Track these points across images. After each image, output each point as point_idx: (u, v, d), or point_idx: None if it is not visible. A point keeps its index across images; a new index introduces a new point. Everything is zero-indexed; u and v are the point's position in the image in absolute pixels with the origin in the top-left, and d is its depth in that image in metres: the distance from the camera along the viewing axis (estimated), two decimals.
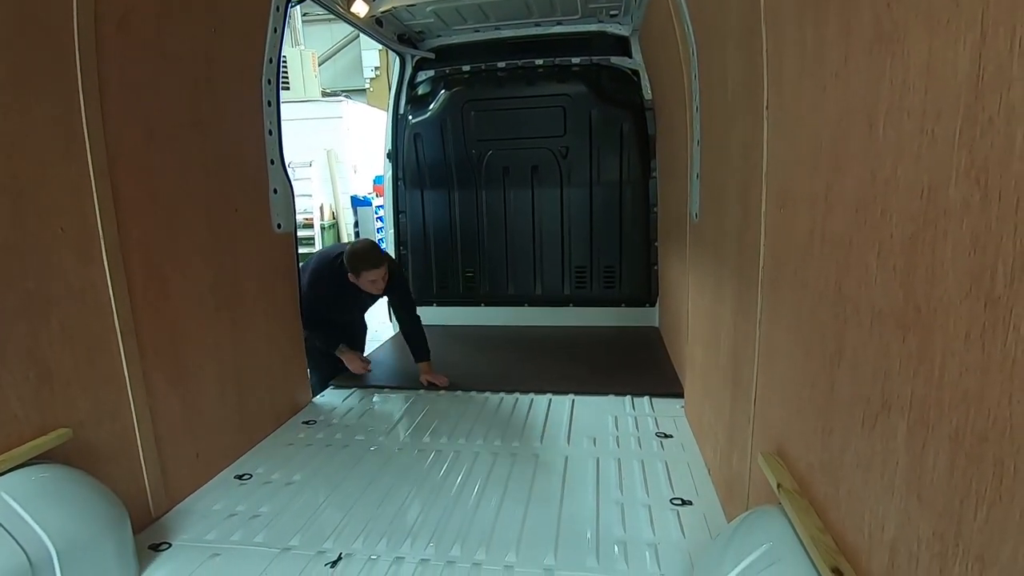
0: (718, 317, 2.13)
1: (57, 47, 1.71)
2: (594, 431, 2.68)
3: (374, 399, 3.24)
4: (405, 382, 3.42)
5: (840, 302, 1.06)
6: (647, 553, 1.79)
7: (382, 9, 3.47)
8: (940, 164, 0.76)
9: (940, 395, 0.76)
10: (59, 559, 1.49)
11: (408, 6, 3.52)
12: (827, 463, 1.11)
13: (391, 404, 3.16)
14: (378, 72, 15.86)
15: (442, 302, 4.68)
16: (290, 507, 2.11)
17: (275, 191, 2.84)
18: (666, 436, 2.61)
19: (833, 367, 1.08)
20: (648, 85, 4.10)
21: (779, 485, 1.25)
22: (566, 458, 2.43)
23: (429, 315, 4.64)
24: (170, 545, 1.91)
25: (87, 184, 1.80)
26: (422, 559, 1.80)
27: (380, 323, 4.98)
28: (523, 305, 4.56)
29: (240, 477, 2.36)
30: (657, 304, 4.37)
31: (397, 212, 4.56)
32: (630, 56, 4.15)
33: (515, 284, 4.59)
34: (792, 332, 1.33)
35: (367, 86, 15.71)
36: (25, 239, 1.64)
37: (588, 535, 1.89)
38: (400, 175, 4.49)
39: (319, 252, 3.67)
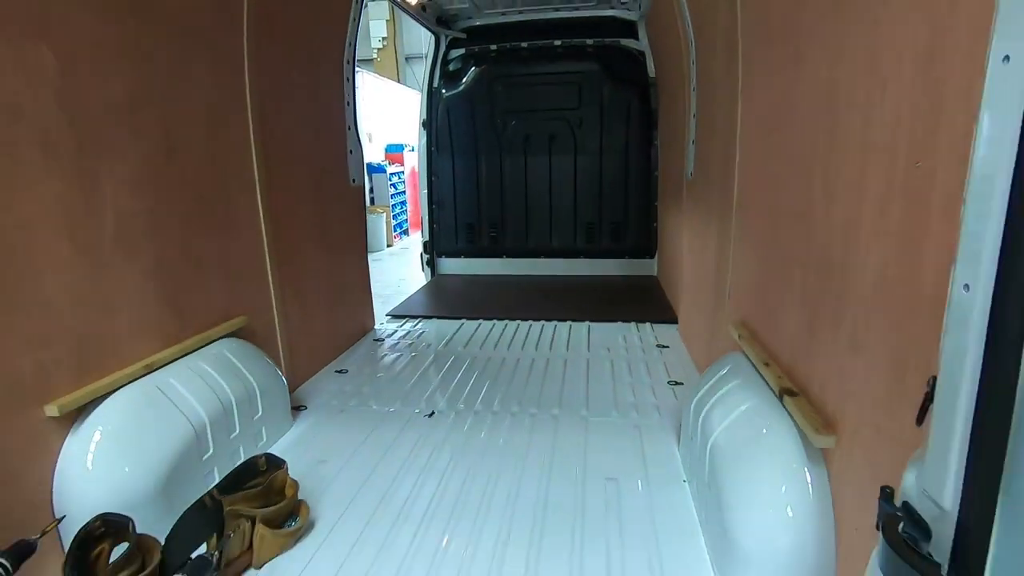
0: (706, 246, 2.84)
1: (233, 66, 2.37)
2: (608, 344, 3.42)
3: (424, 326, 3.95)
4: (449, 312, 4.14)
5: (775, 214, 1.77)
6: (652, 410, 2.54)
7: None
8: (819, 130, 1.46)
9: (815, 255, 1.47)
10: (260, 395, 2.22)
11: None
12: (762, 313, 1.83)
13: (443, 327, 3.88)
14: (385, 42, 16.19)
15: (469, 254, 5.38)
16: (385, 388, 2.85)
17: (351, 152, 3.50)
18: (664, 347, 3.35)
19: (769, 250, 1.79)
20: (652, 65, 4.74)
21: (739, 335, 1.97)
22: (587, 360, 3.17)
23: (457, 265, 5.36)
24: (306, 407, 2.64)
25: (248, 142, 2.47)
26: (492, 411, 2.55)
27: (402, 277, 5.67)
28: (540, 256, 5.26)
29: (340, 371, 3.09)
30: (656, 256, 5.09)
31: (430, 175, 5.21)
32: (637, 39, 4.78)
33: (533, 238, 5.29)
34: (751, 242, 2.04)
35: (374, 56, 16.07)
36: (216, 186, 2.31)
37: (609, 399, 2.64)
38: (433, 143, 5.13)
39: None
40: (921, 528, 0.78)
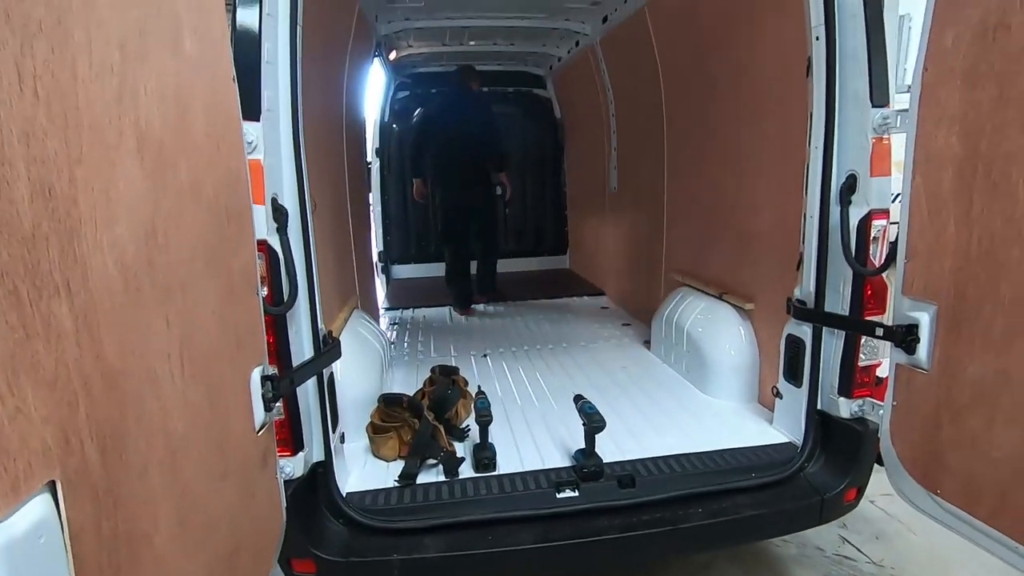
0: (636, 236, 4.36)
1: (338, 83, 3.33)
2: (568, 310, 4.80)
3: (412, 313, 4.95)
4: (427, 301, 5.19)
5: (696, 207, 3.30)
6: (622, 337, 3.96)
7: (402, 55, 5.16)
8: (727, 157, 2.99)
9: (731, 227, 2.99)
10: (385, 352, 3.19)
11: (417, 53, 5.25)
12: (695, 263, 3.35)
13: (430, 312, 4.93)
14: None
15: (419, 260, 6.43)
16: (435, 346, 3.90)
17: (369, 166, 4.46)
18: (605, 308, 4.83)
19: (694, 229, 3.32)
20: (558, 109, 6.31)
21: (682, 278, 3.47)
22: (560, 320, 4.51)
23: (409, 270, 6.37)
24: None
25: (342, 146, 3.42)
26: (524, 350, 3.77)
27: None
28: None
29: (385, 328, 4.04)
30: (567, 253, 6.64)
31: (384, 195, 6.18)
32: (544, 88, 6.32)
33: (474, 243, 6.51)
34: (678, 226, 3.57)
35: None
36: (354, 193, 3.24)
37: (594, 335, 4.02)
38: (386, 167, 6.13)
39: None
40: (802, 303, 2.25)
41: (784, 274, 2.53)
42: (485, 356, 3.67)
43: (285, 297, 1.77)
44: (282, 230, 1.77)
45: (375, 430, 2.29)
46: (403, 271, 6.39)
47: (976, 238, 1.36)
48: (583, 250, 6.09)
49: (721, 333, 2.90)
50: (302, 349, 1.89)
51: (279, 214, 1.77)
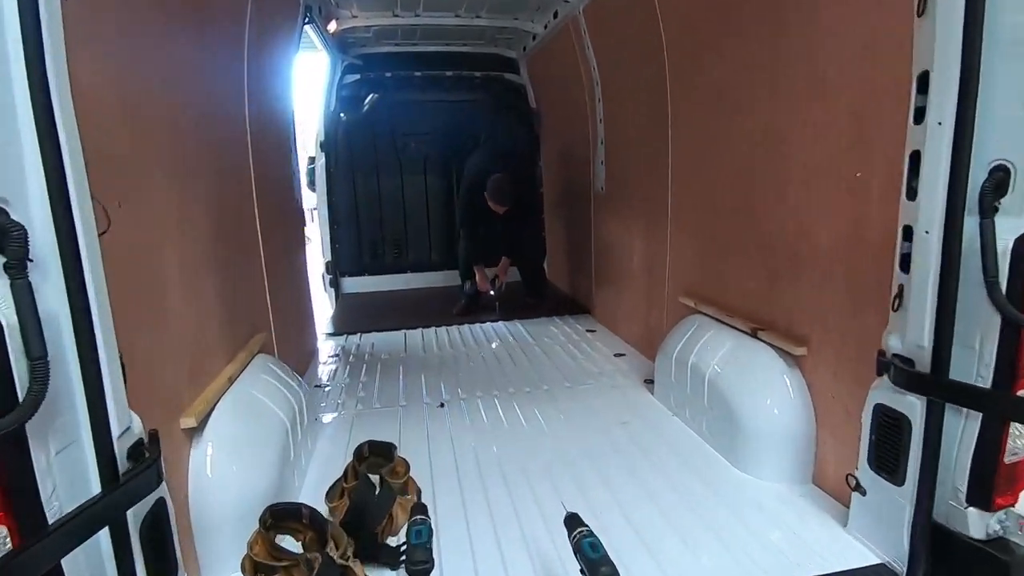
0: (630, 247, 3.58)
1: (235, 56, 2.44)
2: (545, 335, 3.99)
3: (365, 340, 4.08)
4: (380, 324, 4.33)
5: (714, 204, 2.52)
6: (615, 375, 3.17)
7: (344, 27, 4.27)
8: (723, 142, 2.22)
9: (764, 237, 2.22)
10: (304, 401, 2.33)
11: (365, 27, 4.37)
12: (712, 284, 2.58)
13: (383, 338, 4.07)
14: None
15: (373, 271, 5.54)
16: (373, 391, 3.04)
17: (295, 172, 3.57)
18: (591, 331, 4.03)
19: (711, 239, 2.54)
20: (532, 96, 5.49)
21: (695, 303, 2.69)
22: (537, 349, 3.70)
23: (361, 284, 5.48)
24: (317, 418, 2.74)
25: (247, 148, 2.54)
26: (493, 395, 2.94)
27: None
28: (445, 269, 5.63)
29: (317, 385, 3.17)
30: (544, 263, 5.82)
31: (330, 195, 5.27)
32: (518, 73, 5.49)
33: (437, 252, 5.66)
34: (691, 234, 2.79)
35: None
36: (240, 205, 2.37)
37: (579, 372, 3.21)
38: (332, 164, 5.22)
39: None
40: (908, 361, 1.48)
41: (858, 310, 1.77)
42: (442, 406, 2.84)
43: (20, 396, 0.92)
44: (16, 267, 0.92)
45: (254, 571, 1.45)
46: (354, 284, 5.50)
47: None
48: (564, 261, 5.29)
49: (759, 385, 2.12)
50: (74, 484, 1.04)
51: (6, 238, 0.92)
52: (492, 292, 4.62)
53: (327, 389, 3.13)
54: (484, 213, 4.29)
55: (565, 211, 5.07)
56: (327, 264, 5.38)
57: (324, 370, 3.43)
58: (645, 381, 3.03)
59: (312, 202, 5.26)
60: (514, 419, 2.66)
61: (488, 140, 5.06)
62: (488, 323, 4.30)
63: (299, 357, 3.29)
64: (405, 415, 2.76)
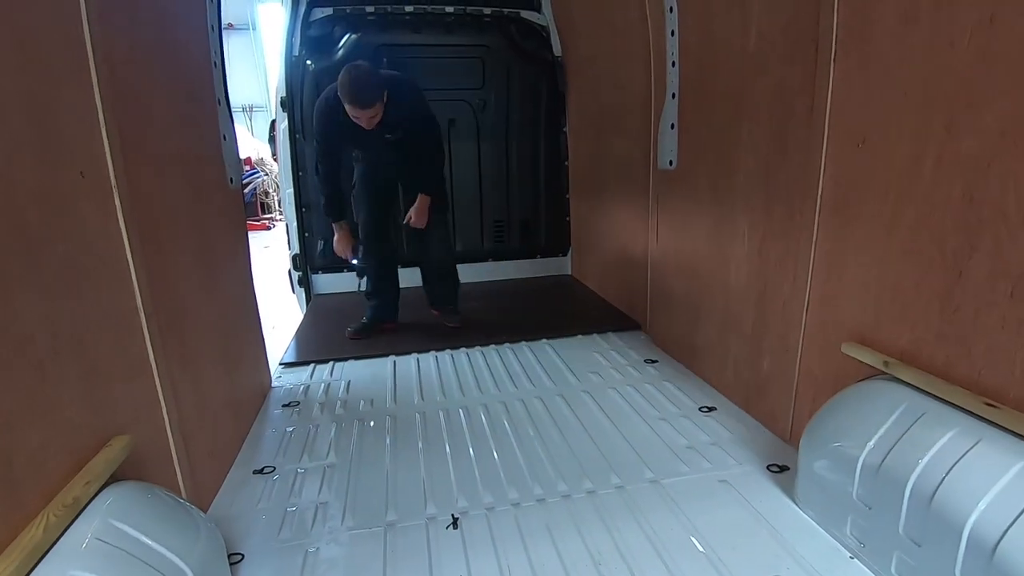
0: (720, 249, 2.45)
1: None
2: (590, 367, 2.87)
3: (334, 374, 2.94)
4: (355, 349, 3.19)
5: (964, 212, 1.39)
6: (711, 449, 2.06)
7: None
8: None
9: None
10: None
11: None
12: (947, 333, 1.46)
13: (358, 371, 2.94)
14: None
15: (353, 265, 4.35)
16: (341, 491, 1.91)
17: (224, 138, 2.38)
18: (653, 361, 2.91)
19: (960, 260, 1.41)
20: (557, 42, 4.26)
21: (885, 362, 1.58)
22: (584, 392, 2.58)
23: (338, 282, 4.31)
24: (243, 555, 1.62)
25: (96, 131, 1.36)
26: (536, 498, 1.83)
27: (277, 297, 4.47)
28: None
29: (259, 471, 2.05)
30: (569, 253, 4.68)
31: (296, 169, 4.06)
32: (539, 11, 4.24)
33: None
34: (878, 243, 1.65)
35: None
36: (44, 211, 1.20)
37: (661, 446, 2.10)
38: (298, 127, 3.99)
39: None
40: None
41: None
42: (455, 523, 1.73)
43: None
44: None
45: None
46: (330, 283, 4.33)
47: None
48: (598, 253, 4.14)
49: None
50: None
51: None
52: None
53: (274, 479, 2.01)
54: (347, 131, 2.88)
55: (604, 192, 3.90)
56: (294, 259, 4.20)
57: (272, 436, 2.30)
58: (770, 467, 1.94)
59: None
60: (576, 554, 1.56)
61: None
62: (492, 345, 3.17)
63: (232, 427, 2.16)
64: (394, 543, 1.66)
